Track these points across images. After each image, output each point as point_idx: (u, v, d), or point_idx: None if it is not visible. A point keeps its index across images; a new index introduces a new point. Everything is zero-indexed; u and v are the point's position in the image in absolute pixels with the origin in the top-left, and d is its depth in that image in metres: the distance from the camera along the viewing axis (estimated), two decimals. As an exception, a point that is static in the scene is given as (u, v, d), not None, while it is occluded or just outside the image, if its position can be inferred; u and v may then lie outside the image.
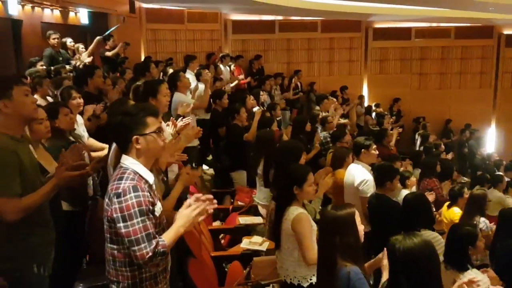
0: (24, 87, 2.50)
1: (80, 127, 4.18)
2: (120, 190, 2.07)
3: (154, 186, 2.26)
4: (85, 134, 4.15)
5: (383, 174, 4.16)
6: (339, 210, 2.49)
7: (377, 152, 4.60)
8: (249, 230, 4.45)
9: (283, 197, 3.26)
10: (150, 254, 2.04)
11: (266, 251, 3.91)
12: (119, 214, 2.06)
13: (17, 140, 2.45)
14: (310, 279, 3.10)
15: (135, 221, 2.04)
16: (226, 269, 3.90)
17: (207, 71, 6.98)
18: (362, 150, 4.43)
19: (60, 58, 6.38)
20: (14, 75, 2.67)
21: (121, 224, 2.05)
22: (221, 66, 8.88)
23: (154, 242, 2.05)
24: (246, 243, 4.06)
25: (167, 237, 2.12)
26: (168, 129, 3.65)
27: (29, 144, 2.61)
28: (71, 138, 3.62)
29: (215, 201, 2.22)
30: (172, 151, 3.20)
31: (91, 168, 3.49)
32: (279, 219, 3.19)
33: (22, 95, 2.45)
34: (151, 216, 2.10)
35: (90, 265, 3.55)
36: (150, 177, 2.20)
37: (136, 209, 2.05)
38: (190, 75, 6.51)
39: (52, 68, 6.00)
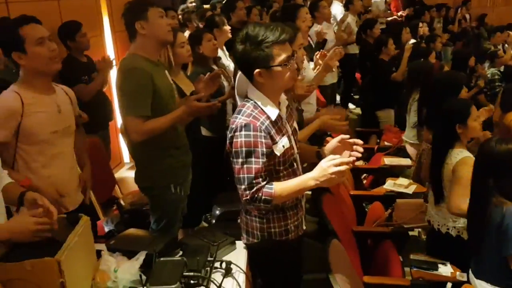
0: (159, 9, 2.49)
1: (226, 57, 4.18)
2: (233, 125, 1.92)
3: (283, 119, 2.01)
4: (231, 64, 4.14)
5: None
6: (499, 145, 2.12)
7: None
8: (395, 172, 4.10)
9: (443, 139, 2.83)
10: (248, 198, 1.90)
11: (411, 194, 3.55)
12: (231, 149, 1.94)
13: (153, 63, 2.47)
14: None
15: (240, 160, 1.89)
16: (366, 209, 3.66)
17: (359, -1, 6.45)
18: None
19: (209, -7, 6.47)
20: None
21: (232, 160, 1.95)
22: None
23: (256, 186, 1.88)
24: (390, 185, 3.75)
25: (282, 187, 1.91)
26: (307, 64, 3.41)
27: (164, 70, 2.63)
28: (214, 67, 3.63)
29: (360, 149, 1.98)
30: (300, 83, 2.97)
31: (226, 95, 3.48)
32: (438, 164, 2.80)
33: (157, 16, 2.44)
34: (263, 158, 1.89)
35: (227, 191, 3.62)
36: (273, 112, 1.94)
37: (243, 149, 1.88)
38: (337, 5, 6.07)
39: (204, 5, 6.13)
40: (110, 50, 4.83)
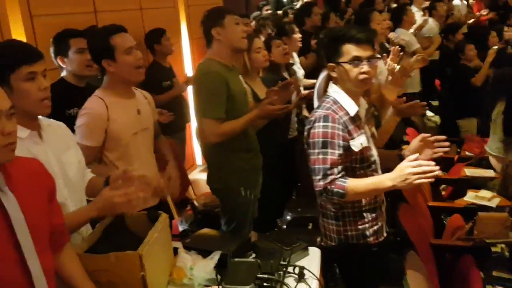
0: (235, 16, 2.56)
1: (296, 64, 4.19)
2: (312, 118, 1.97)
3: (361, 118, 2.05)
4: (300, 71, 4.15)
5: None
6: None
7: None
8: (476, 184, 3.86)
9: None
10: (320, 188, 1.89)
11: (495, 208, 3.33)
12: (308, 140, 1.97)
13: (228, 68, 2.54)
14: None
15: (316, 150, 1.91)
16: (444, 221, 3.48)
17: (442, 4, 6.20)
18: None
19: (285, 0, 6.51)
20: (225, 7, 2.74)
21: (309, 151, 1.97)
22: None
23: (329, 178, 1.86)
24: (471, 197, 3.53)
25: (357, 183, 1.88)
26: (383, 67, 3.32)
27: (238, 74, 2.69)
28: (286, 74, 3.65)
29: (446, 143, 2.00)
30: (392, 87, 2.89)
31: (294, 104, 3.47)
32: None
33: (232, 23, 2.52)
34: (339, 150, 1.89)
35: (299, 197, 3.60)
36: (352, 108, 1.97)
37: (320, 139, 1.90)
38: (415, 12, 5.87)
39: (278, 12, 6.18)
40: (187, 56, 5.01)
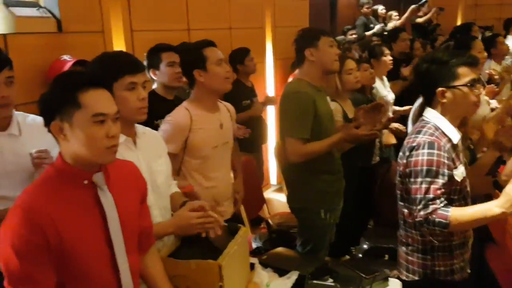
0: (330, 38, 2.55)
1: (386, 87, 4.10)
2: (415, 144, 1.86)
3: (459, 147, 1.94)
4: (389, 94, 4.06)
5: None
6: None
7: None
8: None
9: None
10: (421, 219, 1.78)
11: None
12: (409, 169, 1.86)
13: (317, 89, 2.52)
14: None
15: (419, 179, 1.81)
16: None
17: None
18: None
19: (371, 25, 6.43)
20: (320, 28, 2.74)
21: (408, 180, 1.87)
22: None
23: (431, 208, 1.76)
24: None
25: (460, 213, 1.76)
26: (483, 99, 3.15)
27: (326, 96, 2.67)
28: (370, 96, 3.59)
29: None
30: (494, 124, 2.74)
31: (381, 126, 3.37)
32: None
33: (327, 45, 2.50)
34: (443, 179, 1.79)
35: (376, 226, 3.48)
36: (455, 136, 1.88)
37: (424, 167, 1.80)
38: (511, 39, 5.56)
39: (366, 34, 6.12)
40: (270, 76, 5.09)
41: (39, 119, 1.37)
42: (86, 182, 1.33)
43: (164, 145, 2.03)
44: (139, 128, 1.86)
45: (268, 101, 4.18)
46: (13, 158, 1.87)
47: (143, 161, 1.81)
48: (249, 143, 3.62)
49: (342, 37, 6.18)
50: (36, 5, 2.67)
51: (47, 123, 1.33)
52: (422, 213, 1.78)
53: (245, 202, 2.87)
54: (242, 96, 4.03)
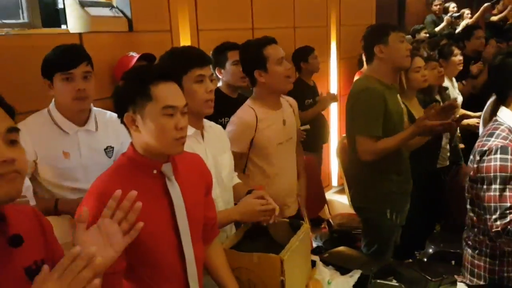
0: (400, 33, 2.46)
1: (454, 89, 3.93)
2: (485, 148, 1.76)
3: None
4: (458, 97, 3.88)
5: None
6: None
7: None
8: None
9: None
10: (498, 229, 1.68)
11: None
12: (480, 174, 1.77)
13: (386, 86, 2.45)
14: None
15: (492, 187, 1.71)
16: None
17: None
18: None
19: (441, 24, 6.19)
20: (391, 23, 2.66)
21: (480, 186, 1.77)
22: None
23: (509, 217, 1.66)
24: None
25: None
26: None
27: (397, 93, 2.58)
28: (437, 97, 3.44)
29: None
30: None
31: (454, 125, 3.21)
32: None
33: (397, 41, 2.43)
34: None
35: (443, 230, 3.33)
36: None
37: (498, 174, 1.69)
38: None
39: (436, 31, 5.89)
40: (333, 76, 5.02)
41: (115, 116, 1.44)
42: (155, 171, 1.38)
43: (228, 140, 2.06)
44: (206, 122, 1.90)
45: (331, 98, 4.07)
46: (89, 152, 1.97)
47: (210, 154, 1.84)
48: (310, 142, 3.57)
49: (409, 36, 5.97)
50: (109, 5, 2.80)
51: (120, 115, 1.39)
52: (499, 223, 1.68)
53: (306, 201, 2.85)
54: (304, 95, 3.99)
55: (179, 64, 1.70)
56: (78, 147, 1.95)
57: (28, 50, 2.21)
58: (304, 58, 4.03)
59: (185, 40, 3.14)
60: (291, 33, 4.34)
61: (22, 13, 2.46)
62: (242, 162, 2.34)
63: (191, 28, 3.21)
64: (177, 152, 1.39)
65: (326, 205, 3.87)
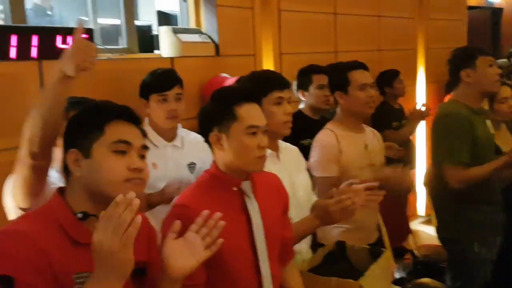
0: (488, 57, 2.35)
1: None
2: None
3: None
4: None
5: None
6: None
7: None
8: None
9: None
10: None
11: None
12: None
13: (474, 112, 2.34)
14: None
15: None
16: None
17: None
18: None
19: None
20: (478, 47, 2.54)
21: None
22: None
23: None
24: None
25: None
26: None
27: (486, 119, 2.44)
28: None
29: None
30: None
31: None
32: None
33: (486, 65, 2.33)
34: None
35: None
36: None
37: None
38: None
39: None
40: (421, 100, 4.84)
41: (198, 138, 1.52)
42: (235, 188, 1.42)
43: (303, 161, 2.06)
44: (281, 143, 1.93)
45: (420, 115, 3.53)
46: (174, 166, 2.10)
47: (286, 174, 1.85)
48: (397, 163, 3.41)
49: (505, 60, 5.61)
50: (198, 31, 2.96)
51: (205, 134, 1.45)
52: None
53: (389, 229, 2.73)
54: (391, 118, 3.87)
55: (259, 86, 1.75)
56: (165, 160, 2.09)
57: (126, 72, 2.40)
58: (389, 82, 3.92)
59: (267, 64, 3.22)
60: (376, 56, 4.27)
61: (122, 39, 2.68)
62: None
63: (274, 53, 3.28)
64: (258, 170, 1.44)
65: (410, 235, 3.69)
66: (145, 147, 1.18)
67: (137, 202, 0.98)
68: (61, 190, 1.15)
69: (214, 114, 1.43)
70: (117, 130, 1.13)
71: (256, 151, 1.39)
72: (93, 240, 0.96)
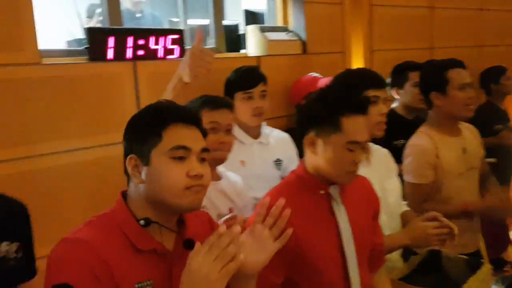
0: None
1: None
2: None
3: None
4: None
5: None
6: None
7: None
8: None
9: None
10: None
11: None
12: None
13: None
14: None
15: None
16: None
17: None
18: None
19: None
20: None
21: None
22: None
23: None
24: None
25: None
26: None
27: None
28: None
29: None
30: None
31: None
32: None
33: None
34: None
35: None
36: None
37: None
38: None
39: None
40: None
41: (282, 135, 1.47)
42: (322, 192, 1.37)
43: (395, 165, 1.95)
44: (372, 146, 1.84)
45: None
46: (261, 163, 2.09)
47: (376, 179, 1.76)
48: (497, 173, 3.14)
49: None
50: (285, 29, 2.93)
51: (300, 132, 1.40)
52: None
53: (487, 239, 2.51)
54: (492, 119, 3.57)
55: (355, 85, 1.68)
56: (252, 157, 2.08)
57: (214, 72, 2.41)
58: (495, 79, 3.63)
59: (357, 61, 3.11)
60: (475, 52, 3.97)
61: (210, 39, 2.73)
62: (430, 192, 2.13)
63: (364, 50, 3.17)
64: (346, 183, 1.38)
65: (511, 245, 3.39)
66: (206, 150, 1.09)
67: (242, 239, 0.99)
68: (124, 195, 1.11)
69: (315, 117, 1.35)
70: (175, 135, 1.05)
71: (351, 166, 1.33)
72: (192, 261, 0.95)
